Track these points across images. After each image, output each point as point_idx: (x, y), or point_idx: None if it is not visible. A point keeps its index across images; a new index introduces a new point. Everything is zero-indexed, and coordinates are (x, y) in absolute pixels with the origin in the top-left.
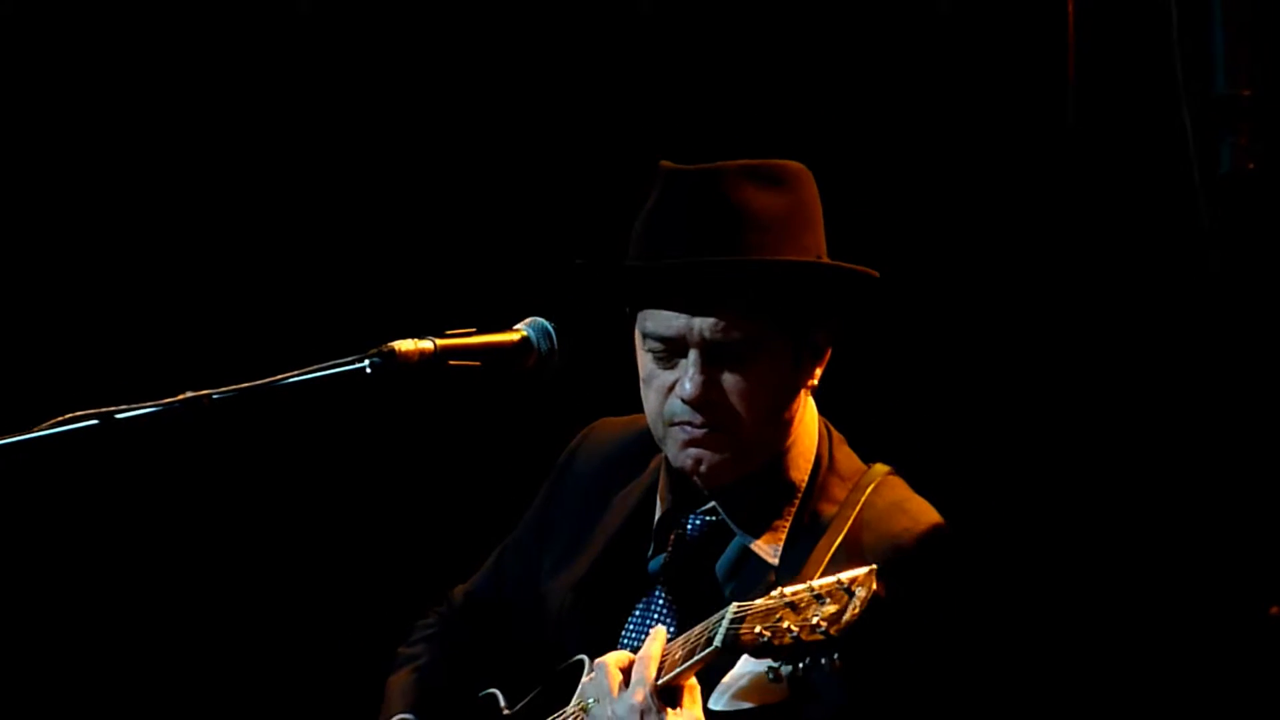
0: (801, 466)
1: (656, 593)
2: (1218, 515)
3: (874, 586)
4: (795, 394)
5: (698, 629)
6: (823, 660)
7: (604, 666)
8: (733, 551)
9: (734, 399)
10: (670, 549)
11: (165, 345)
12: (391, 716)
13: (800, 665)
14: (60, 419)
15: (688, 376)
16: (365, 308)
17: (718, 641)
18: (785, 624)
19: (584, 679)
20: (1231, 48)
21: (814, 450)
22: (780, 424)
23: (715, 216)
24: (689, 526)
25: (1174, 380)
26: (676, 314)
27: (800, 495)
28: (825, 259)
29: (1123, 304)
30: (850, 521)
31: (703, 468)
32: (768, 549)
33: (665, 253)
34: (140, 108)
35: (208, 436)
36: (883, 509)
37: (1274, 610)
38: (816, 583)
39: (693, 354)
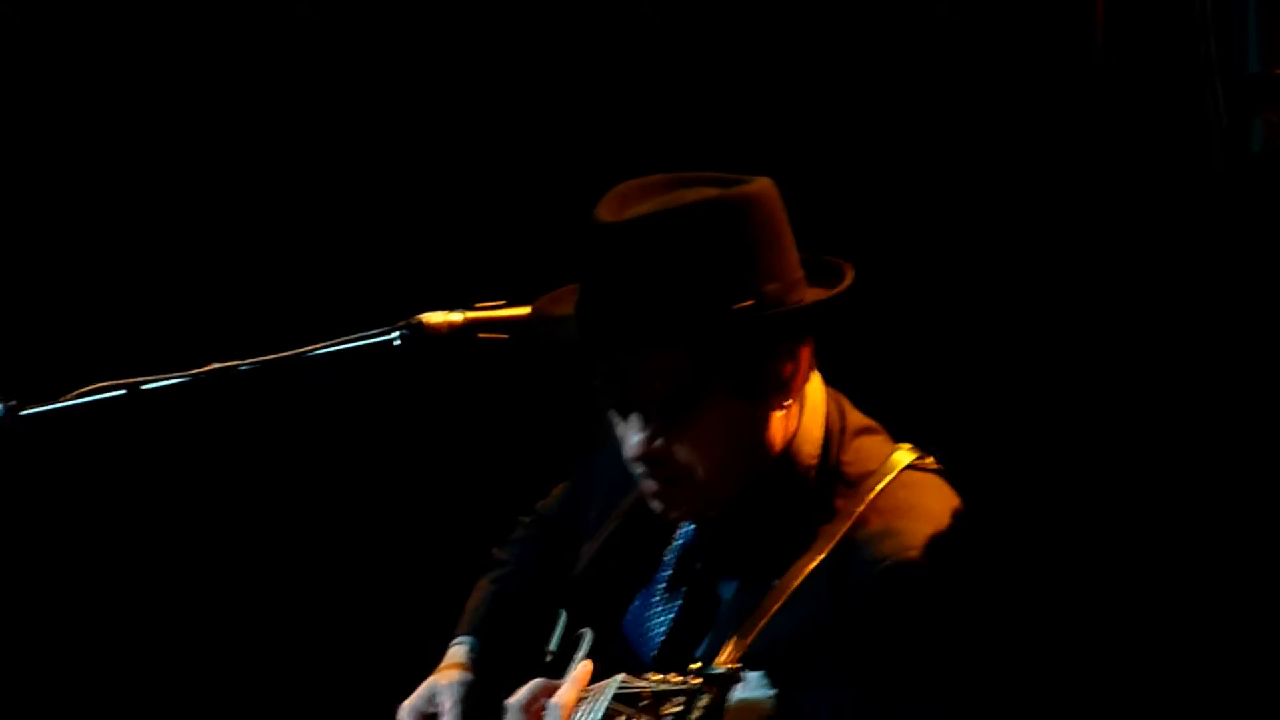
0: (801, 477)
1: (656, 588)
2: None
3: (712, 695)
4: (761, 423)
5: (595, 688)
6: None
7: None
8: (732, 561)
9: (682, 454)
10: (669, 549)
11: (191, 317)
12: (456, 637)
13: None
14: (87, 389)
15: (629, 435)
16: (392, 280)
17: (597, 715)
18: (640, 717)
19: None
20: (1265, 26)
21: (816, 455)
22: (749, 457)
23: (622, 280)
24: (685, 530)
25: (1197, 362)
26: (606, 381)
27: (798, 505)
28: (771, 290)
29: (1143, 287)
30: (834, 542)
31: (671, 515)
32: (765, 563)
33: (579, 322)
34: (171, 84)
35: (235, 408)
36: (876, 530)
37: None
38: (678, 676)
39: (632, 416)
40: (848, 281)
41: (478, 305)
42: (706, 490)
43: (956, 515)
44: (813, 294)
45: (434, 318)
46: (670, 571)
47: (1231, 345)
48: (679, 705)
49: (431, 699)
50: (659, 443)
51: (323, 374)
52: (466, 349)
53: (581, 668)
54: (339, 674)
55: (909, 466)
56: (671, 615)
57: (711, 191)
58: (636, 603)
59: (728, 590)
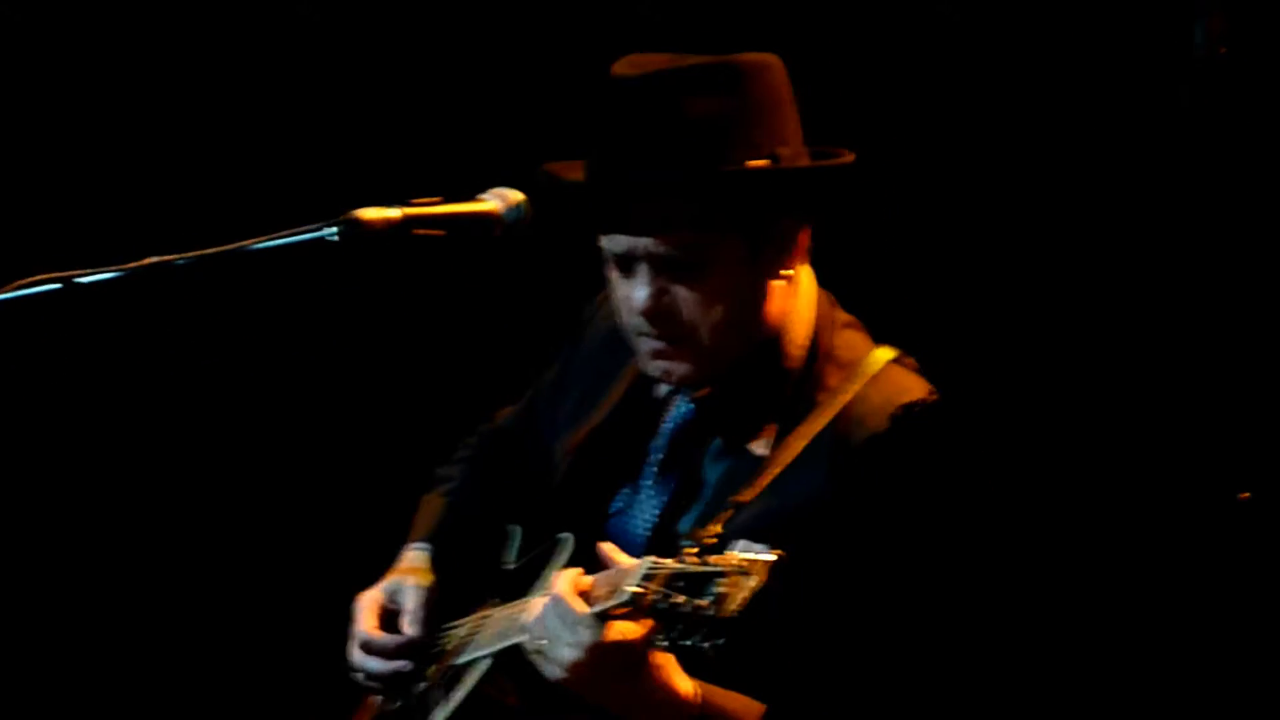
0: (794, 355)
1: (644, 477)
2: (1187, 401)
3: (762, 578)
4: (763, 290)
5: (616, 573)
6: (704, 645)
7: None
8: (723, 441)
9: (688, 310)
10: (659, 435)
11: (131, 212)
12: (411, 543)
13: (682, 643)
14: (21, 282)
15: (636, 291)
16: (332, 180)
17: (622, 598)
18: (678, 598)
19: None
20: None
21: (809, 336)
22: (751, 322)
23: (644, 129)
24: (676, 412)
25: (1148, 261)
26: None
27: (791, 385)
28: (784, 152)
29: (1098, 192)
30: (833, 412)
31: (672, 379)
32: (758, 441)
33: (598, 170)
34: None
35: (173, 303)
36: (877, 404)
37: (1243, 496)
38: (720, 557)
39: (641, 267)
40: (852, 157)
41: (415, 201)
42: (707, 353)
43: (948, 406)
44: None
45: (370, 213)
46: (661, 456)
47: (1171, 241)
48: (722, 587)
49: (393, 596)
50: (665, 298)
51: (263, 269)
52: (403, 246)
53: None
54: (270, 584)
55: (894, 361)
56: (664, 499)
57: (726, 56)
58: (625, 490)
59: (714, 471)
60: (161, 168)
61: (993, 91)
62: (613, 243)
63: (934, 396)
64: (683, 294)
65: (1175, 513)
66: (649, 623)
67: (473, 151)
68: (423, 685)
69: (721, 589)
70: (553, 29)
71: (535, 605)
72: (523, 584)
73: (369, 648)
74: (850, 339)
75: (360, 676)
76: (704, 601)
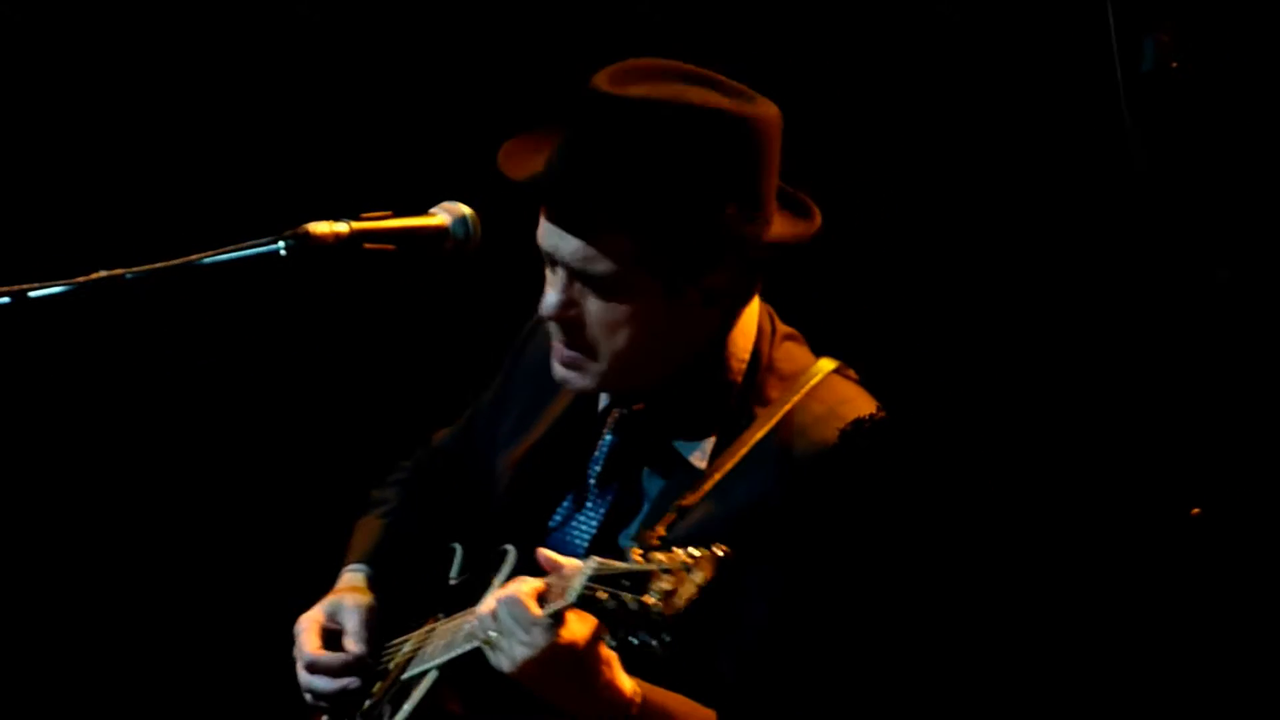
0: (734, 367)
1: (587, 488)
2: (1141, 419)
3: (709, 573)
4: (679, 323)
5: (565, 575)
6: (652, 642)
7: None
8: (662, 453)
9: (593, 327)
10: (600, 446)
11: (83, 226)
12: (348, 565)
13: (630, 640)
14: None
15: (549, 293)
16: (282, 194)
17: (571, 598)
18: (625, 595)
19: (485, 603)
20: None
21: (749, 348)
22: (666, 351)
23: (602, 148)
24: (617, 423)
25: (1098, 281)
26: (550, 229)
27: (732, 397)
28: (732, 212)
29: (1045, 208)
30: (774, 421)
31: (571, 386)
32: (697, 452)
33: (550, 169)
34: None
35: (124, 317)
36: (819, 414)
37: (1194, 512)
38: (666, 555)
39: (559, 272)
40: (802, 230)
41: (364, 216)
42: (609, 374)
43: (894, 421)
44: (777, 224)
45: (319, 227)
46: (600, 468)
47: (1122, 254)
48: (669, 584)
49: (334, 616)
50: (574, 310)
51: (213, 284)
52: (352, 260)
53: (518, 580)
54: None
55: (835, 372)
56: (603, 510)
57: (721, 101)
58: (565, 504)
59: (654, 484)
60: (114, 180)
61: (938, 107)
62: (541, 237)
63: (881, 413)
64: (592, 311)
65: (1125, 527)
66: (597, 622)
67: (452, 162)
68: (369, 702)
69: (668, 585)
70: (543, 33)
71: (489, 602)
72: (466, 598)
73: (314, 667)
74: (791, 351)
75: (309, 696)
76: (651, 598)
